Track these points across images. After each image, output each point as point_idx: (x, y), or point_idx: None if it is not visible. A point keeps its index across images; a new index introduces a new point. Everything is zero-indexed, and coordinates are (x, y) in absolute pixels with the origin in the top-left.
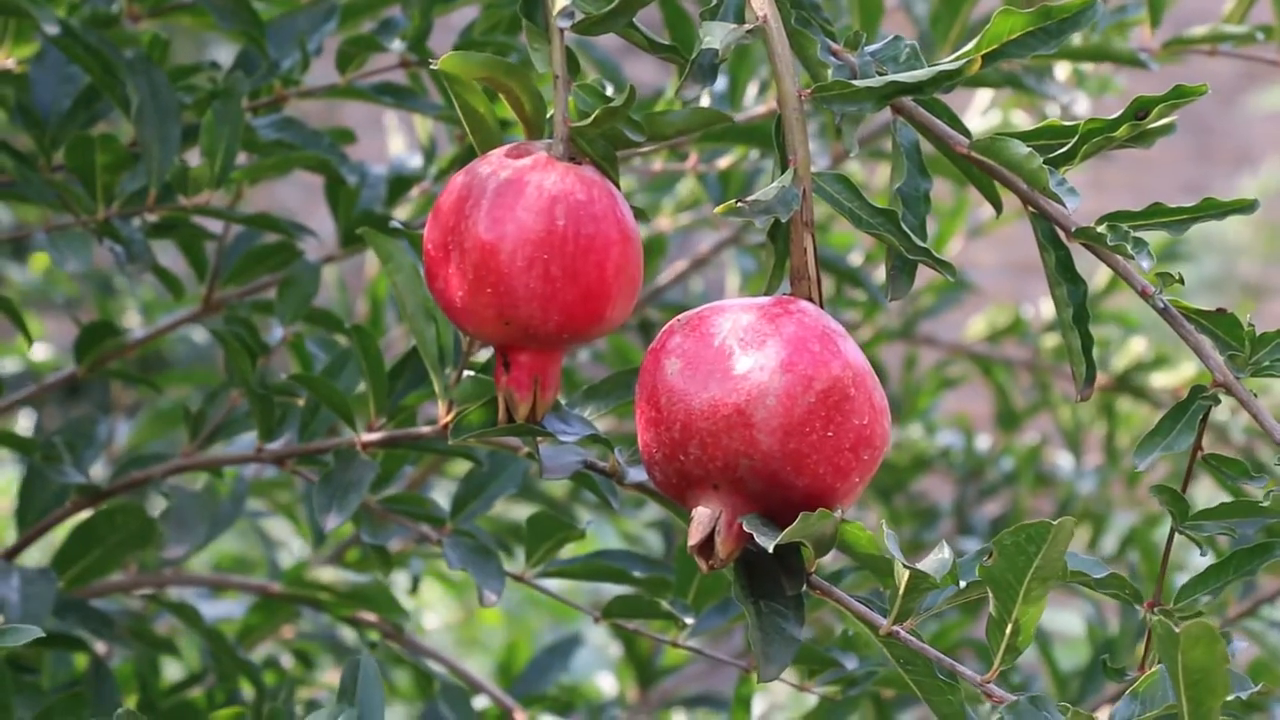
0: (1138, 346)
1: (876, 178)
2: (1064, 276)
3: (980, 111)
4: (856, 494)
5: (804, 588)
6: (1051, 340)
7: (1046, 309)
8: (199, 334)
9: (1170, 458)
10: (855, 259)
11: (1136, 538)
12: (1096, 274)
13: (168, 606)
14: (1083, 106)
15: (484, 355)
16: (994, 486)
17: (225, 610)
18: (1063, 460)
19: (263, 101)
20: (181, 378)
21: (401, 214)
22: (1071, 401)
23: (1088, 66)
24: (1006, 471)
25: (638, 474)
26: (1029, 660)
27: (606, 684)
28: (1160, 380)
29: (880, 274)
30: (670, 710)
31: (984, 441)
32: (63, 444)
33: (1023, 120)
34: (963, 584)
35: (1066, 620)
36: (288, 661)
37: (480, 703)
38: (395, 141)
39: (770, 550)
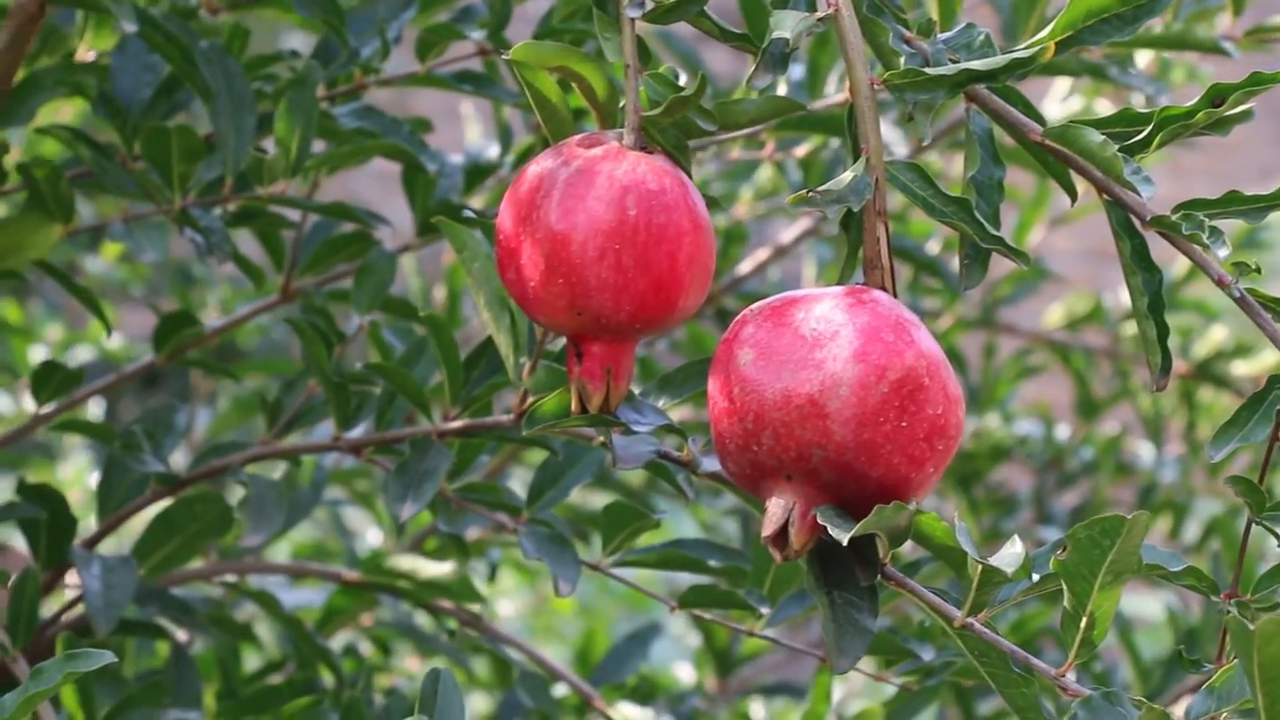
0: (1218, 335)
1: (954, 167)
2: (1139, 265)
3: (1060, 98)
4: (931, 484)
5: (878, 579)
6: (1132, 328)
7: (1126, 297)
8: (276, 324)
9: (1252, 447)
10: (933, 247)
11: (1219, 527)
12: (1176, 262)
13: (248, 594)
14: (1166, 96)
15: (560, 344)
16: (1073, 476)
17: (305, 598)
18: (1144, 449)
19: (342, 90)
20: (259, 367)
21: (478, 203)
22: (1150, 391)
23: (1173, 55)
24: (1086, 461)
25: (712, 464)
26: (1111, 648)
27: (685, 673)
28: (1241, 369)
29: (957, 262)
30: (749, 699)
31: (1063, 430)
32: (142, 433)
33: (1105, 108)
34: (1036, 577)
35: (1149, 607)
36: (367, 649)
37: (558, 691)
38: (472, 130)
39: (844, 543)
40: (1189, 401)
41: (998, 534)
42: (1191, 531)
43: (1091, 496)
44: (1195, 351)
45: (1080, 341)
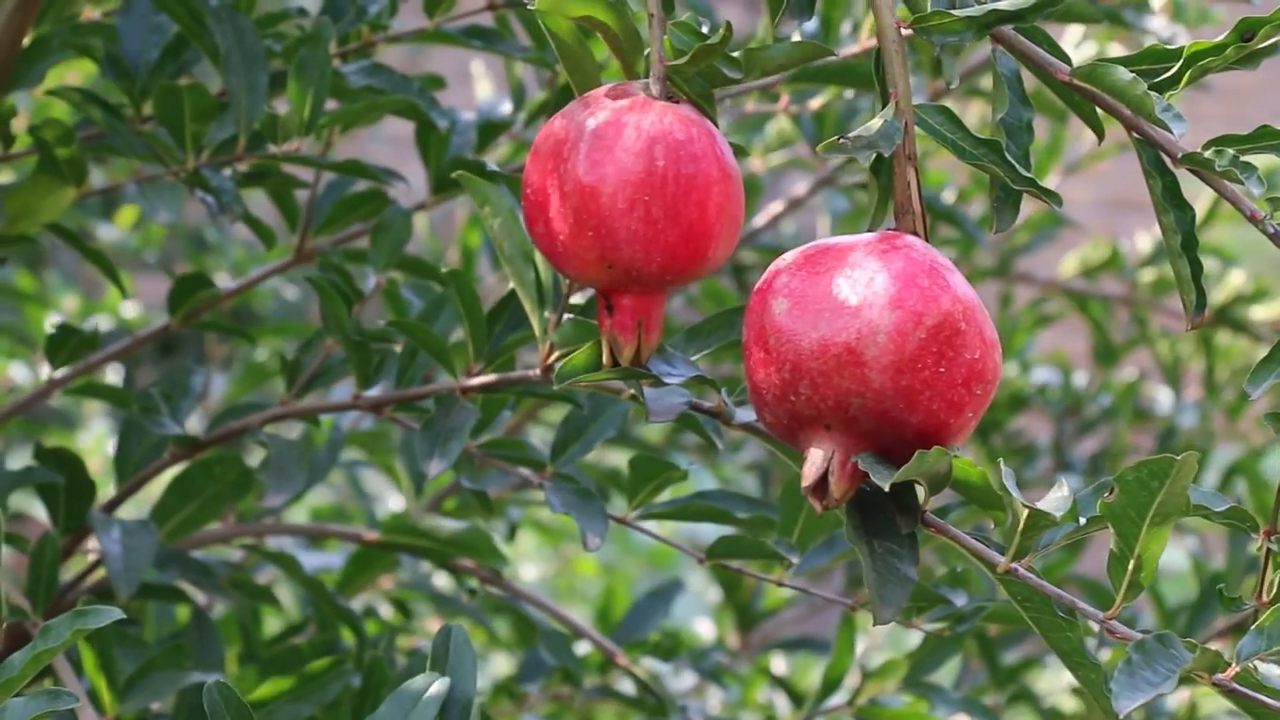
0: (1236, 279)
1: (969, 115)
2: (1171, 203)
3: (1073, 45)
4: (970, 429)
5: (918, 526)
6: (1149, 275)
7: (1143, 243)
8: (289, 289)
9: (1275, 389)
10: (949, 197)
11: (1243, 468)
12: (1194, 204)
13: (268, 556)
14: (1182, 40)
15: (583, 297)
16: (1092, 423)
17: (324, 561)
18: (1162, 395)
19: (351, 48)
20: (274, 331)
21: (491, 160)
22: (1170, 335)
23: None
24: (1105, 407)
25: (745, 414)
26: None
27: (705, 629)
28: (1260, 313)
29: (973, 210)
30: (770, 654)
31: (1081, 378)
32: (159, 396)
33: (1119, 54)
34: (1082, 520)
35: (1169, 556)
36: (386, 612)
37: (581, 648)
38: (482, 88)
39: (886, 489)
40: (1207, 346)
41: (1019, 483)
42: (1209, 478)
43: (1110, 443)
44: (1213, 296)
45: (1097, 289)
